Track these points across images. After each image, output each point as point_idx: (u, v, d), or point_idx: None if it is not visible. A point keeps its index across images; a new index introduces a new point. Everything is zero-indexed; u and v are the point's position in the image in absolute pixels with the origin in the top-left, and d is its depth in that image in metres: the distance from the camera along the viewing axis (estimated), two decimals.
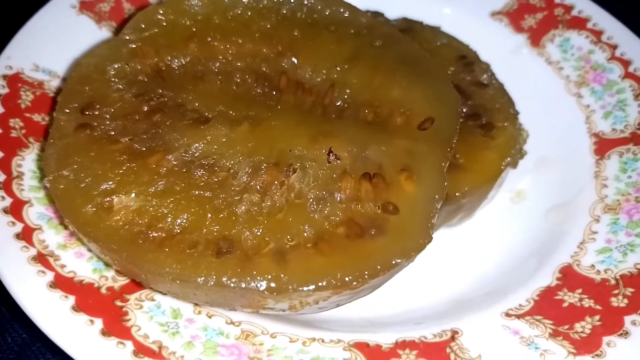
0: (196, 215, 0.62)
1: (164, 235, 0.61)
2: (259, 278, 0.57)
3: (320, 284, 0.57)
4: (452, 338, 0.66)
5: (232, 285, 0.57)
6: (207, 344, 0.62)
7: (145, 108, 0.72)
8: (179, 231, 0.61)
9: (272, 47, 0.78)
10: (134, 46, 0.76)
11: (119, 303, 0.63)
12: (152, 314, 0.63)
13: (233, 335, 0.63)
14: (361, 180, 0.66)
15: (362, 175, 0.66)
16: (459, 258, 0.76)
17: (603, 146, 0.84)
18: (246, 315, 0.65)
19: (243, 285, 0.57)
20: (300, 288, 0.57)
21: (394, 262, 0.59)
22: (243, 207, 0.63)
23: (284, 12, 0.81)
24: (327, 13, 0.82)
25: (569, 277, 0.71)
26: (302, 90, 0.76)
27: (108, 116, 0.70)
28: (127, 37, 0.77)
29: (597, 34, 0.93)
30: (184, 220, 0.62)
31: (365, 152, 0.68)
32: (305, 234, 0.61)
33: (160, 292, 0.64)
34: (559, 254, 0.73)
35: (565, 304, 0.68)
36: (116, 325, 0.61)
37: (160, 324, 0.63)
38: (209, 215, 0.62)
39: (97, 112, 0.71)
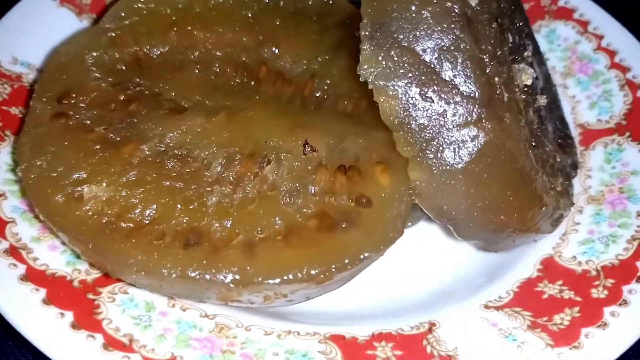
0: (166, 206, 0.61)
1: (132, 225, 0.60)
2: (224, 270, 0.56)
3: (285, 277, 0.56)
4: (430, 330, 0.65)
5: (196, 277, 0.56)
6: (179, 337, 0.61)
7: (122, 97, 0.71)
8: (147, 222, 0.60)
9: (253, 37, 0.78)
10: (113, 35, 0.75)
11: (91, 296, 0.63)
12: (124, 307, 0.63)
13: (207, 329, 0.62)
14: (336, 172, 0.65)
15: (337, 168, 0.65)
16: (440, 250, 0.75)
17: (588, 137, 0.83)
18: (221, 308, 0.64)
19: (207, 277, 0.56)
20: (266, 281, 0.56)
21: (362, 256, 0.58)
22: (214, 199, 0.62)
23: (266, 1, 0.80)
24: (310, 2, 0.81)
25: (550, 268, 0.70)
26: (281, 80, 0.75)
27: (84, 105, 0.70)
28: (107, 26, 0.76)
29: (584, 24, 0.92)
30: (154, 211, 0.61)
31: (343, 144, 0.68)
32: (275, 227, 0.60)
33: (131, 284, 0.63)
34: (540, 245, 0.72)
35: (545, 296, 0.67)
36: (87, 319, 0.60)
37: (132, 317, 0.62)
38: (179, 206, 0.61)
39: (73, 101, 0.70)
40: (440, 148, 0.60)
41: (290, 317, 0.67)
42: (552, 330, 0.63)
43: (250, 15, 0.78)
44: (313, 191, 0.64)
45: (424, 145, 0.61)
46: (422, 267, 0.74)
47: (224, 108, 0.70)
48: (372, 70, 0.60)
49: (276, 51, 0.77)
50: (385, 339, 0.64)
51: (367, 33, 0.61)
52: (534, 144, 0.68)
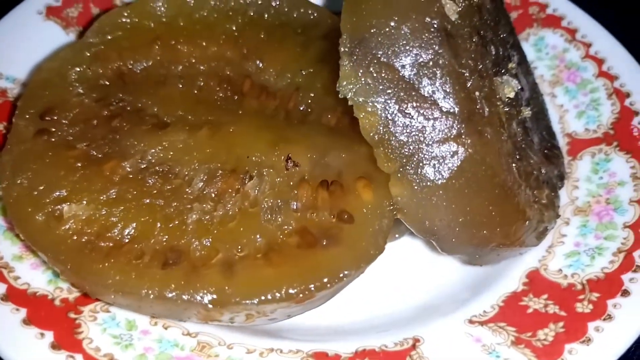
0: (145, 224, 0.61)
1: (111, 245, 0.60)
2: (201, 291, 0.56)
3: (264, 297, 0.56)
4: (413, 346, 0.64)
5: (174, 298, 0.56)
6: (160, 356, 0.61)
7: (105, 113, 0.71)
8: (127, 241, 0.60)
9: (237, 50, 0.77)
10: (96, 50, 0.75)
11: (72, 315, 0.62)
12: (105, 325, 0.62)
13: (188, 347, 0.62)
14: (319, 188, 0.65)
15: (319, 183, 0.65)
16: (425, 264, 0.74)
17: (576, 147, 0.83)
18: (205, 325, 0.64)
19: (185, 298, 0.56)
20: (244, 301, 0.56)
21: (342, 274, 0.58)
22: (194, 216, 0.62)
23: (251, 14, 0.80)
24: (294, 15, 0.80)
25: (535, 282, 0.69)
26: (265, 94, 0.75)
27: (67, 121, 0.70)
28: (90, 41, 0.76)
29: (572, 32, 0.91)
30: (133, 230, 0.61)
31: (326, 159, 0.67)
32: (256, 244, 0.60)
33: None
34: (527, 258, 0.72)
35: (530, 310, 0.66)
36: (67, 339, 0.60)
37: (113, 336, 0.62)
38: (159, 224, 0.61)
39: (56, 118, 0.70)
40: (421, 164, 0.60)
41: (275, 333, 0.67)
42: (535, 346, 0.62)
43: (234, 28, 0.78)
44: (295, 207, 0.64)
45: (404, 161, 0.60)
46: (407, 281, 0.74)
47: (206, 123, 0.70)
48: (352, 86, 0.60)
49: (260, 65, 0.77)
50: (368, 356, 0.63)
51: (346, 49, 0.60)
52: (517, 156, 0.68)
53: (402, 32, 0.59)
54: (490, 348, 0.63)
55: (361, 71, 0.60)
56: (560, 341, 0.62)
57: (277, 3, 0.80)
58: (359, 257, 0.59)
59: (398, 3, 0.60)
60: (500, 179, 0.62)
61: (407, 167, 0.60)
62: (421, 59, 0.59)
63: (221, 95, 0.74)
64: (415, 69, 0.59)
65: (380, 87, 0.60)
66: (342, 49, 0.60)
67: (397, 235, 0.74)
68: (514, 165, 0.66)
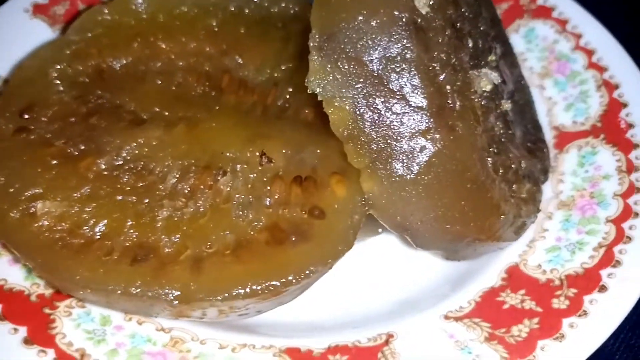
0: (117, 221, 0.61)
1: (83, 241, 0.60)
2: (167, 287, 0.56)
3: (227, 294, 0.56)
4: (386, 342, 0.64)
5: (139, 294, 0.56)
6: (132, 351, 0.61)
7: (84, 110, 0.71)
8: (98, 238, 0.60)
9: (216, 46, 0.77)
10: (77, 47, 0.75)
11: (47, 310, 0.63)
12: (80, 321, 0.63)
13: (160, 342, 0.62)
14: (292, 183, 0.65)
15: (293, 179, 0.65)
16: (405, 258, 0.74)
17: (563, 139, 0.81)
18: (179, 321, 0.64)
19: (150, 294, 0.56)
20: (208, 298, 0.56)
21: (308, 271, 0.58)
22: (165, 213, 0.62)
23: (232, 9, 0.79)
24: (275, 10, 0.80)
25: (514, 277, 0.69)
26: (244, 89, 0.75)
27: (46, 119, 0.70)
28: (71, 38, 0.76)
29: (562, 23, 0.90)
30: (104, 227, 0.61)
31: (301, 154, 0.67)
32: (225, 240, 0.60)
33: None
34: (507, 253, 0.71)
35: (506, 306, 0.66)
36: (41, 334, 0.61)
37: (87, 331, 0.62)
38: (130, 221, 0.61)
39: (35, 115, 0.70)
40: (390, 159, 0.60)
41: (251, 328, 0.67)
42: (508, 342, 0.62)
43: (214, 23, 0.78)
44: (268, 203, 0.64)
45: (374, 156, 0.60)
46: (387, 276, 0.73)
47: (183, 119, 0.70)
48: (320, 81, 0.60)
49: (240, 60, 0.76)
50: (340, 352, 0.63)
51: (315, 44, 0.60)
52: (495, 150, 0.67)
53: (371, 26, 0.59)
54: (463, 344, 0.62)
55: (329, 66, 0.59)
56: (534, 337, 0.62)
57: None
58: (327, 253, 0.59)
59: None
60: (472, 173, 0.61)
61: (377, 163, 0.60)
62: (389, 53, 0.59)
63: (199, 91, 0.74)
64: (383, 64, 0.59)
65: (349, 82, 0.59)
66: (311, 44, 0.60)
67: (380, 230, 0.74)
68: (489, 159, 0.65)
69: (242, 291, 0.56)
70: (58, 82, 0.73)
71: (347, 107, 0.59)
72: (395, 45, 0.59)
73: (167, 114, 0.71)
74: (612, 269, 0.66)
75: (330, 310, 0.70)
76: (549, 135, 0.82)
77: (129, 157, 0.67)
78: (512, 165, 0.68)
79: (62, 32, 0.85)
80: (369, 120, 0.59)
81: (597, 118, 0.81)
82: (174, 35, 0.77)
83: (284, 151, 0.67)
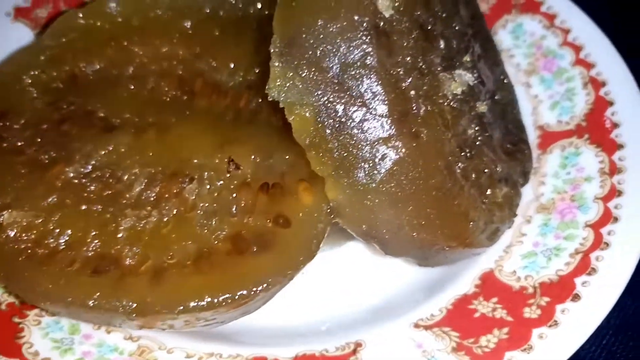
0: (81, 231, 0.61)
1: (47, 252, 0.60)
2: (124, 300, 0.56)
3: (183, 307, 0.55)
4: (354, 351, 0.63)
5: (96, 306, 0.56)
6: None
7: (56, 117, 0.71)
8: (62, 248, 0.60)
9: (190, 49, 0.76)
10: (52, 52, 0.75)
11: (16, 320, 0.63)
12: (48, 330, 0.63)
13: (127, 351, 0.63)
14: (259, 191, 0.64)
15: (260, 186, 0.64)
16: (380, 265, 0.73)
17: (547, 140, 0.79)
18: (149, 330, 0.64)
19: (107, 307, 0.56)
20: (165, 311, 0.55)
21: (266, 282, 0.57)
22: (129, 222, 0.62)
23: (207, 11, 0.79)
24: (250, 11, 0.79)
25: (488, 284, 0.67)
26: (217, 93, 0.74)
27: (18, 126, 0.70)
28: (47, 43, 0.76)
29: (551, 17, 0.87)
30: (69, 237, 0.61)
31: (270, 160, 0.66)
32: (187, 251, 0.60)
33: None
34: (483, 258, 0.69)
35: (477, 314, 0.64)
36: (7, 343, 0.61)
37: (54, 340, 0.62)
38: (93, 231, 0.61)
39: (8, 123, 0.70)
40: (352, 168, 0.58)
41: (222, 336, 0.67)
42: (475, 353, 0.61)
43: (189, 26, 0.77)
44: (234, 211, 0.63)
45: (337, 164, 0.59)
46: (362, 282, 0.72)
47: (153, 125, 0.70)
48: (281, 88, 0.59)
49: (213, 63, 0.76)
50: None
51: (276, 49, 0.59)
52: (468, 154, 0.65)
53: (331, 31, 0.57)
54: (430, 354, 0.61)
55: (290, 72, 0.58)
56: (502, 349, 0.60)
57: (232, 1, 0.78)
58: (287, 264, 0.58)
59: (329, 2, 0.58)
60: (437, 180, 0.60)
61: (339, 171, 0.59)
62: (349, 59, 0.57)
63: (171, 95, 0.73)
64: (343, 70, 0.57)
65: (309, 89, 0.58)
66: (272, 49, 0.59)
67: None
68: (459, 164, 0.63)
69: (198, 304, 0.56)
70: (32, 88, 0.73)
71: (308, 115, 0.58)
72: (355, 51, 0.57)
73: (137, 120, 0.70)
74: (587, 277, 0.64)
75: (304, 317, 0.70)
76: (533, 135, 0.80)
77: (97, 165, 0.67)
78: (486, 170, 0.67)
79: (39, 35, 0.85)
80: (330, 127, 0.58)
81: (583, 117, 0.79)
82: (147, 39, 0.76)
83: (252, 157, 0.66)
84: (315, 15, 0.58)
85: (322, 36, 0.57)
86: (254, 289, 0.57)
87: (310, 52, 0.58)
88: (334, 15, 0.57)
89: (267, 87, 0.59)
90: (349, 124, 0.58)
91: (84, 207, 0.63)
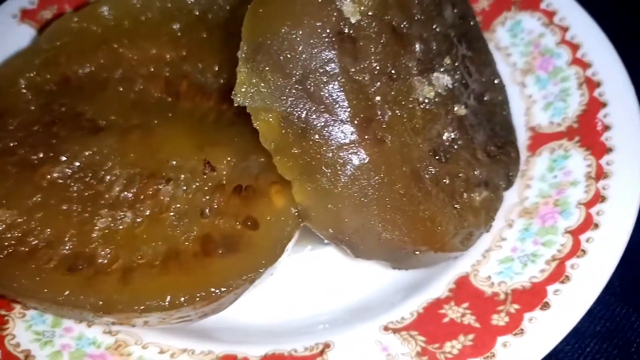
0: (61, 229, 0.64)
1: (27, 250, 0.63)
2: (91, 298, 0.58)
3: (145, 306, 0.57)
4: (322, 352, 0.64)
5: (65, 303, 0.58)
6: (75, 353, 0.64)
7: (48, 118, 0.74)
8: (42, 246, 0.63)
9: (177, 51, 0.78)
10: (46, 55, 0.78)
11: (3, 312, 0.67)
12: (32, 322, 0.66)
13: (104, 345, 0.65)
14: (232, 193, 0.65)
15: (233, 189, 0.65)
16: (356, 267, 0.73)
17: (537, 141, 0.78)
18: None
19: (76, 304, 0.58)
20: (129, 308, 0.57)
21: (227, 286, 0.58)
22: (105, 222, 0.64)
23: (196, 13, 0.80)
24: (237, 13, 0.80)
25: (461, 289, 0.67)
26: (201, 95, 0.75)
27: (12, 127, 0.73)
28: (42, 46, 0.79)
29: (550, 14, 0.85)
30: (48, 235, 0.64)
31: (246, 163, 0.67)
32: (156, 251, 0.61)
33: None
34: (461, 262, 0.69)
35: (446, 319, 0.64)
36: None
37: (36, 332, 0.65)
38: (72, 230, 0.64)
39: (2, 124, 0.73)
40: (316, 173, 0.59)
41: (200, 332, 0.69)
42: (438, 359, 0.60)
43: (177, 28, 0.79)
44: (207, 213, 0.65)
45: (301, 169, 0.60)
46: (340, 283, 0.73)
47: (136, 127, 0.72)
48: (247, 93, 0.59)
49: (200, 65, 0.77)
50: None
51: (243, 55, 0.60)
52: (442, 158, 0.65)
53: (294, 38, 0.58)
54: (394, 358, 0.62)
55: (256, 78, 0.59)
56: (464, 355, 0.60)
57: (220, 3, 0.79)
58: (248, 268, 0.59)
59: (293, 8, 0.58)
60: (401, 186, 0.60)
61: (304, 176, 0.60)
62: (313, 66, 0.58)
63: (157, 97, 0.75)
64: (306, 76, 0.58)
65: (274, 94, 0.59)
66: (240, 55, 0.60)
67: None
68: (430, 169, 0.63)
69: (160, 304, 0.58)
70: (26, 90, 0.76)
71: (273, 120, 0.59)
72: (318, 58, 0.58)
73: (122, 121, 0.72)
74: (560, 285, 0.63)
75: (279, 316, 0.71)
76: (524, 137, 0.79)
77: (81, 165, 0.69)
78: (461, 174, 0.66)
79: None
80: (295, 133, 0.59)
81: (575, 118, 0.77)
82: (137, 42, 0.78)
83: (229, 159, 0.68)
84: (280, 22, 0.58)
85: (286, 43, 0.58)
86: (215, 291, 0.58)
87: (274, 59, 0.58)
88: (298, 22, 0.58)
89: (233, 93, 0.60)
90: (312, 129, 0.58)
91: (65, 207, 0.65)
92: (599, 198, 0.69)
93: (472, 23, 0.79)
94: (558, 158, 0.75)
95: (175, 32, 0.79)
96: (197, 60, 0.77)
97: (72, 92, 0.76)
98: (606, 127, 0.74)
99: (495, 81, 0.79)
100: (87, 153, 0.70)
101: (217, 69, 0.76)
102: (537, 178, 0.74)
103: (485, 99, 0.76)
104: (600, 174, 0.71)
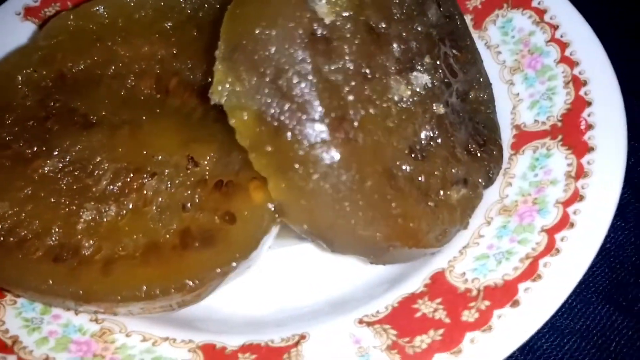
0: (48, 221, 0.66)
1: (16, 240, 0.66)
2: (72, 287, 0.61)
3: (121, 296, 0.60)
4: (297, 343, 0.66)
5: (47, 291, 0.61)
6: (61, 339, 0.67)
7: (43, 114, 0.77)
8: (30, 237, 0.66)
9: (169, 49, 0.80)
10: (43, 53, 0.81)
11: None
12: (22, 309, 0.69)
13: (90, 332, 0.68)
14: (213, 188, 0.67)
15: (214, 184, 0.67)
16: (336, 261, 0.75)
17: (521, 140, 0.78)
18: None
19: (58, 292, 0.61)
20: (107, 299, 0.60)
21: (199, 278, 0.60)
22: (90, 214, 0.67)
23: (188, 11, 0.82)
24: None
25: (436, 284, 0.68)
26: (190, 92, 0.77)
27: (9, 122, 0.76)
28: (40, 43, 0.82)
29: (541, 12, 0.86)
30: (37, 226, 0.66)
31: (229, 158, 0.69)
32: (138, 243, 0.64)
33: None
34: (438, 258, 0.70)
35: (419, 314, 0.65)
36: None
37: (25, 319, 0.68)
38: (59, 221, 0.66)
39: (0, 119, 0.77)
40: (289, 169, 0.61)
41: (184, 322, 0.71)
42: (407, 353, 0.62)
43: (169, 26, 0.81)
44: (188, 207, 0.67)
45: (276, 166, 0.61)
46: (321, 276, 0.75)
47: (126, 122, 0.74)
48: (223, 92, 0.61)
49: (189, 63, 0.79)
50: (250, 350, 0.66)
51: (220, 54, 0.62)
52: (418, 156, 0.66)
53: (269, 38, 0.59)
54: (365, 351, 0.63)
55: (231, 78, 0.61)
56: (432, 350, 0.61)
57: (211, 0, 0.81)
58: (223, 261, 0.61)
59: (269, 9, 0.60)
60: (374, 182, 0.61)
61: (278, 172, 0.61)
62: (286, 65, 0.59)
63: (147, 93, 0.77)
64: (280, 75, 0.59)
65: (249, 93, 0.60)
66: (217, 54, 0.62)
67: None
68: (404, 167, 0.64)
69: (136, 294, 0.60)
70: (23, 87, 0.79)
71: (247, 118, 0.61)
72: (291, 57, 0.59)
73: (113, 117, 0.75)
74: (531, 283, 0.64)
75: (260, 308, 0.73)
76: (508, 135, 0.79)
77: (72, 159, 0.72)
78: (437, 172, 0.67)
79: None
80: (268, 131, 0.60)
81: (559, 117, 0.77)
82: (130, 40, 0.80)
83: (212, 155, 0.70)
84: (255, 22, 0.60)
85: (260, 43, 0.60)
86: (189, 283, 0.60)
87: (250, 58, 0.60)
88: (272, 22, 0.59)
89: (209, 92, 0.62)
90: (285, 127, 0.60)
91: (53, 199, 0.68)
92: (577, 197, 0.69)
93: (459, 22, 0.79)
94: (540, 157, 0.75)
95: (167, 30, 0.81)
96: (187, 58, 0.79)
97: (66, 88, 0.79)
98: (589, 126, 0.74)
99: (481, 79, 0.80)
100: (77, 147, 0.72)
101: (205, 67, 0.78)
102: (518, 176, 0.75)
103: (469, 97, 0.77)
104: (581, 173, 0.71)
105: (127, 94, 0.77)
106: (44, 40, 0.82)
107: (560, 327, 0.75)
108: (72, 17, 0.82)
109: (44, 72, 0.80)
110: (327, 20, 0.60)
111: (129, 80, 0.78)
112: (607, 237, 0.67)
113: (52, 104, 0.77)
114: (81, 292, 0.61)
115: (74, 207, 0.68)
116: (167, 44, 0.80)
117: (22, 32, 0.92)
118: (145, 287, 0.60)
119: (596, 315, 0.75)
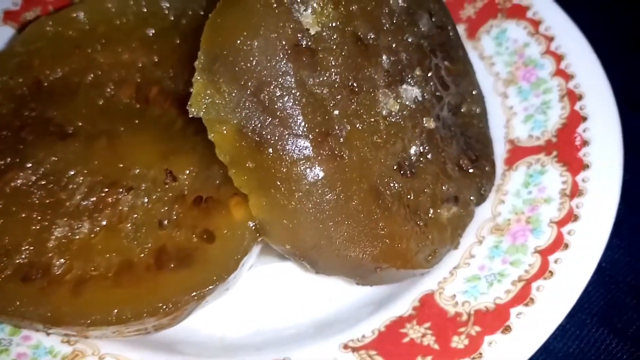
0: (19, 238, 0.63)
1: None
2: (40, 309, 0.57)
3: (89, 320, 0.57)
4: None
5: (14, 314, 0.58)
6: None
7: (17, 123, 0.73)
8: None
9: (150, 57, 0.77)
10: (20, 59, 0.78)
11: None
12: None
13: (61, 355, 0.64)
14: (192, 204, 0.64)
15: (193, 200, 0.64)
16: (321, 281, 0.71)
17: (515, 155, 0.76)
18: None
19: (25, 315, 0.58)
20: (76, 322, 0.57)
21: (172, 302, 0.57)
22: (62, 231, 0.63)
23: (171, 18, 0.79)
24: None
25: (426, 307, 0.65)
26: (171, 101, 0.74)
27: None
28: (17, 49, 0.79)
29: (536, 24, 0.83)
30: (6, 243, 0.63)
31: (209, 173, 0.66)
32: (110, 263, 0.61)
33: None
34: (428, 279, 0.67)
35: (406, 339, 0.63)
36: None
37: None
38: (29, 238, 0.63)
39: None
40: (271, 187, 0.58)
41: (161, 344, 0.68)
42: None
43: (151, 34, 0.78)
44: (165, 224, 0.64)
45: (257, 182, 0.58)
46: (304, 299, 0.72)
47: (103, 133, 0.71)
48: (202, 104, 0.58)
49: (171, 72, 0.76)
50: None
51: (200, 65, 0.59)
52: (408, 173, 0.63)
53: (251, 49, 0.56)
54: None
55: (211, 90, 0.58)
56: None
57: (194, 8, 0.78)
58: (199, 283, 0.58)
59: (251, 19, 0.57)
60: (360, 201, 0.58)
61: (260, 189, 0.58)
62: (268, 78, 0.56)
63: (126, 102, 0.74)
64: (262, 88, 0.57)
65: (229, 106, 0.57)
66: (197, 65, 0.59)
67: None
68: (392, 184, 0.61)
69: (106, 318, 0.57)
70: None
71: (227, 132, 0.58)
72: (273, 70, 0.56)
73: (89, 128, 0.72)
74: (523, 308, 0.61)
75: (241, 330, 0.70)
76: (502, 150, 0.77)
77: (46, 172, 0.68)
78: (427, 190, 0.64)
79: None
80: (249, 146, 0.58)
81: (554, 132, 0.75)
82: (110, 47, 0.77)
83: (191, 169, 0.67)
84: (237, 32, 0.57)
85: (242, 54, 0.57)
86: (163, 307, 0.57)
87: (230, 69, 0.57)
88: (254, 33, 0.56)
89: (188, 104, 0.59)
90: (266, 143, 0.57)
91: (25, 214, 0.65)
92: (571, 217, 0.66)
93: (451, 33, 0.77)
94: (534, 173, 0.73)
95: (149, 37, 0.78)
96: (169, 66, 0.76)
97: (43, 96, 0.75)
98: (585, 142, 0.72)
99: (474, 92, 0.77)
100: (52, 159, 0.69)
101: (188, 76, 0.75)
102: (511, 193, 0.72)
103: (461, 110, 0.74)
104: (575, 192, 0.68)
105: (106, 103, 0.74)
106: (21, 46, 0.79)
107: (554, 350, 0.72)
108: (50, 22, 0.79)
109: (20, 80, 0.77)
110: (312, 31, 0.58)
111: (108, 89, 0.75)
112: (601, 255, 0.65)
113: (27, 113, 0.74)
114: (49, 314, 0.57)
115: (46, 223, 0.64)
116: (148, 52, 0.77)
117: (1, 36, 0.89)
118: (116, 311, 0.57)
119: (590, 338, 0.72)
